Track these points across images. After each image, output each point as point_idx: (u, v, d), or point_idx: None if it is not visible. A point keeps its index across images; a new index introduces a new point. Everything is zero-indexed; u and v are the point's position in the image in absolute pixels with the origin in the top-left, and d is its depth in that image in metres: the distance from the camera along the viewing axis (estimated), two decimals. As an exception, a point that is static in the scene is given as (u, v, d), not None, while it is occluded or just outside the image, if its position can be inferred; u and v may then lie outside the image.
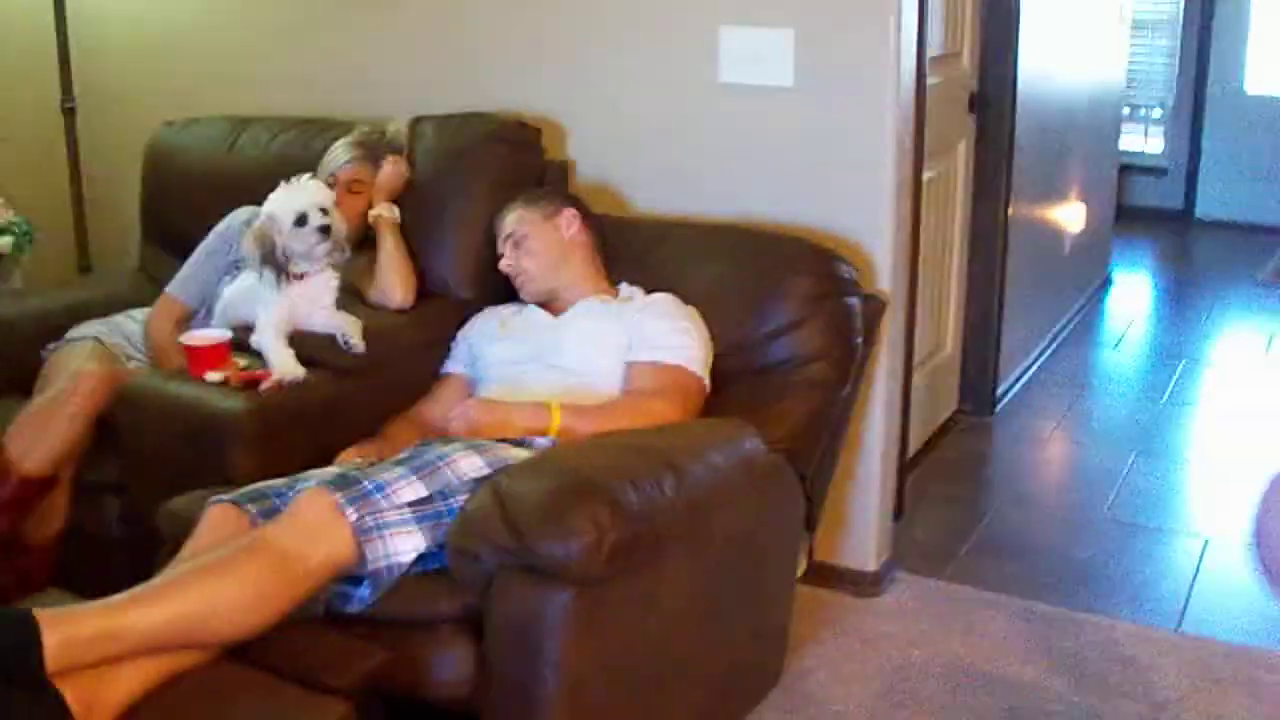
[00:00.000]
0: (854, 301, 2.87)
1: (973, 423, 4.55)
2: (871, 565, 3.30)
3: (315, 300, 2.85)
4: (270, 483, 2.32)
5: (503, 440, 2.44)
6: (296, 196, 2.80)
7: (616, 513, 2.04)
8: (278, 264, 2.76)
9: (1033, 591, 3.33)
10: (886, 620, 3.17)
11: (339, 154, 3.20)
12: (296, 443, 2.65)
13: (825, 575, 3.27)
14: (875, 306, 2.98)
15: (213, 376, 2.69)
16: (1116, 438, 4.51)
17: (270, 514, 2.20)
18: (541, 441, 2.48)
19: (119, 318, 3.29)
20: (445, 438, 2.45)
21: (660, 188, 3.32)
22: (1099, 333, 5.85)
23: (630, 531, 2.06)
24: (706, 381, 2.73)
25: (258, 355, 2.77)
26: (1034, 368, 5.11)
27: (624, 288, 2.94)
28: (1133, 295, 6.67)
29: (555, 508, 2.02)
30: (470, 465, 2.26)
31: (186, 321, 3.16)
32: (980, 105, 4.23)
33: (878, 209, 3.08)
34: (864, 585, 3.29)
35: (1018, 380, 4.90)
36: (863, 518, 3.28)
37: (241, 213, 3.18)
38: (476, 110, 3.31)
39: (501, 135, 3.21)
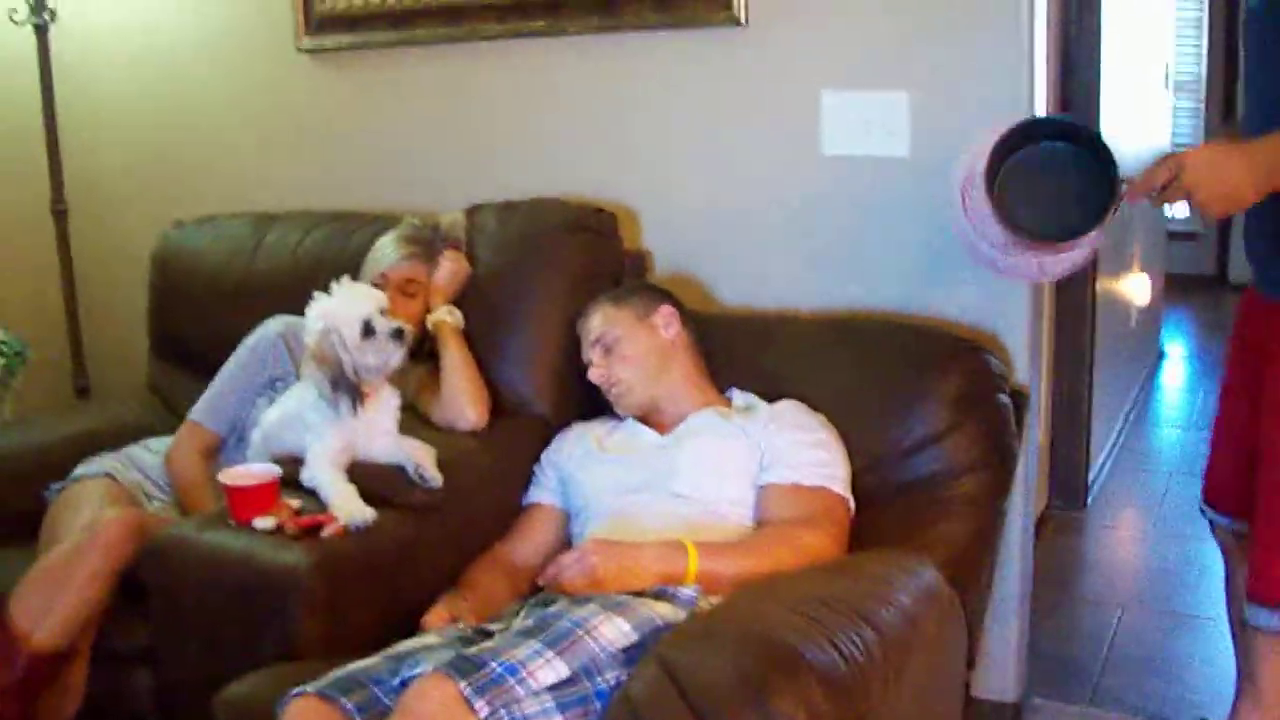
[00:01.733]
0: (1006, 400, 2.48)
1: (1066, 518, 4.18)
2: (1011, 695, 2.88)
3: (375, 424, 2.41)
4: (363, 665, 1.86)
5: (635, 593, 1.99)
6: (354, 302, 2.37)
7: (829, 689, 1.61)
8: (350, 385, 2.33)
9: (1187, 709, 2.94)
10: (1038, 761, 2.77)
11: (388, 251, 2.78)
12: (366, 600, 2.22)
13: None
14: (1021, 403, 2.58)
15: (262, 523, 2.24)
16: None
17: (370, 709, 1.76)
18: (686, 592, 2.02)
19: (133, 449, 2.87)
20: (574, 597, 1.99)
21: (752, 279, 2.92)
22: (1162, 409, 5.52)
23: (846, 709, 1.63)
24: (852, 503, 2.32)
25: (312, 494, 2.32)
26: (1114, 454, 4.75)
27: (737, 395, 2.53)
28: (1185, 368, 6.34)
29: (753, 689, 1.57)
30: (616, 632, 1.81)
31: (215, 452, 2.76)
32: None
33: (1012, 290, 2.68)
34: (1005, 719, 2.88)
35: (1102, 468, 4.53)
36: (1000, 642, 2.84)
37: (274, 323, 2.78)
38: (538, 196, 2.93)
39: (576, 223, 2.81)
